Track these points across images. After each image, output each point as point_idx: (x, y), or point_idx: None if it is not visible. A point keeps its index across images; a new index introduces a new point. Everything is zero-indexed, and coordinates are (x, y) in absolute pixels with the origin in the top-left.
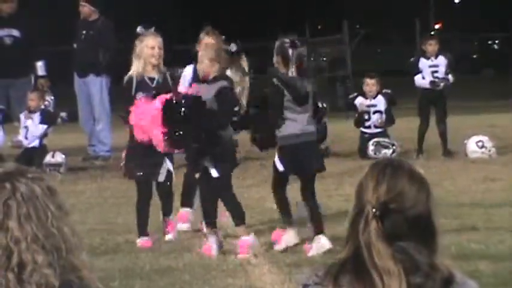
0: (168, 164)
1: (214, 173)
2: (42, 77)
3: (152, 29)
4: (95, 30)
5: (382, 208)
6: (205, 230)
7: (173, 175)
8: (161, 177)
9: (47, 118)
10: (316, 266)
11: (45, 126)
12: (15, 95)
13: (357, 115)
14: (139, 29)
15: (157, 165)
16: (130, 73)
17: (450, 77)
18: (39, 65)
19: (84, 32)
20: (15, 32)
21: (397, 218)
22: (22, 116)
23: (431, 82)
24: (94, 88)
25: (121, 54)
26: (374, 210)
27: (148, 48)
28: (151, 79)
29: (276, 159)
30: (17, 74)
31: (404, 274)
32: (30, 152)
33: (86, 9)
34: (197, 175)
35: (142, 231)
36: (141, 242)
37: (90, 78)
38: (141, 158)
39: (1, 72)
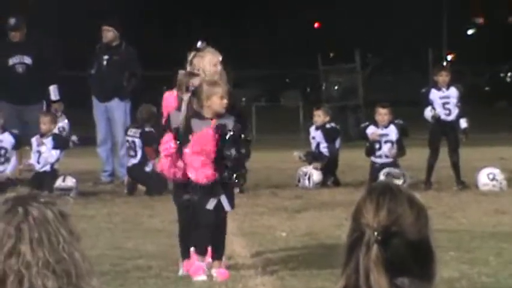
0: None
1: (227, 206)
2: (55, 101)
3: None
4: (119, 55)
5: (384, 232)
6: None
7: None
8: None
9: (59, 143)
10: None
11: (58, 152)
12: (28, 121)
13: (368, 144)
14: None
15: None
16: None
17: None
18: (52, 89)
19: (107, 56)
20: (27, 59)
21: (397, 242)
22: (34, 140)
23: (432, 116)
24: (118, 112)
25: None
26: (376, 234)
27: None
28: None
29: None
30: (28, 101)
31: None
32: (41, 176)
33: (111, 33)
34: (211, 206)
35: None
36: (193, 268)
37: (114, 102)
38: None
39: (13, 99)
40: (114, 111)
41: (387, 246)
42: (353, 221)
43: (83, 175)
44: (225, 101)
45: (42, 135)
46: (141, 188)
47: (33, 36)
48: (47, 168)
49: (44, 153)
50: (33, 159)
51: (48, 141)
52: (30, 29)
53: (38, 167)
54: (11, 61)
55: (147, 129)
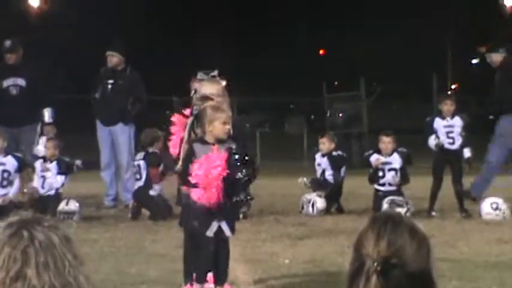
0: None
1: (227, 231)
2: (48, 124)
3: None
4: (124, 79)
5: (383, 263)
6: None
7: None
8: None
9: (64, 168)
10: None
11: (63, 177)
12: (22, 142)
13: (371, 170)
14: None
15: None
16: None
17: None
18: (46, 112)
19: (111, 81)
20: (21, 81)
21: (397, 273)
22: (38, 165)
23: (436, 145)
24: (122, 136)
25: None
26: (375, 264)
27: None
28: None
29: None
30: (22, 123)
31: None
32: (45, 200)
33: (115, 59)
34: (211, 233)
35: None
36: None
37: (119, 126)
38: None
39: (8, 122)
40: (118, 135)
41: (387, 277)
42: (354, 250)
43: (86, 199)
44: (228, 126)
45: (46, 160)
46: (145, 212)
47: (29, 58)
48: (52, 192)
49: (49, 179)
50: (37, 184)
51: (53, 167)
52: (26, 51)
53: (42, 192)
54: (5, 83)
55: (150, 150)
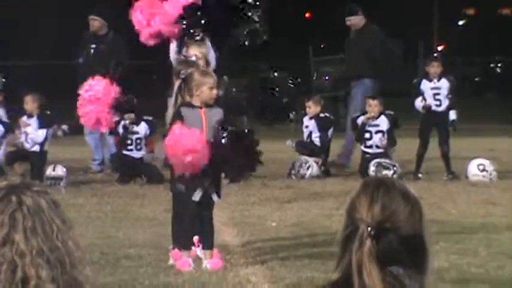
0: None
1: (214, 197)
2: None
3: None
4: (106, 44)
5: (377, 227)
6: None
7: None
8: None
9: (45, 122)
10: None
11: (44, 131)
12: None
13: (358, 128)
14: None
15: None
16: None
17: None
18: None
19: (93, 45)
20: None
21: (391, 237)
22: (21, 121)
23: (423, 107)
24: None
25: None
26: (369, 229)
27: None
28: None
29: None
30: None
31: None
32: (30, 156)
33: (97, 22)
34: (197, 197)
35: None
36: (180, 261)
37: None
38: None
39: None
40: None
41: (380, 241)
42: (347, 215)
43: (73, 163)
44: (215, 91)
45: (28, 116)
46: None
47: None
48: (37, 148)
49: (30, 134)
50: (22, 138)
51: (34, 121)
52: None
53: (28, 147)
54: None
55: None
